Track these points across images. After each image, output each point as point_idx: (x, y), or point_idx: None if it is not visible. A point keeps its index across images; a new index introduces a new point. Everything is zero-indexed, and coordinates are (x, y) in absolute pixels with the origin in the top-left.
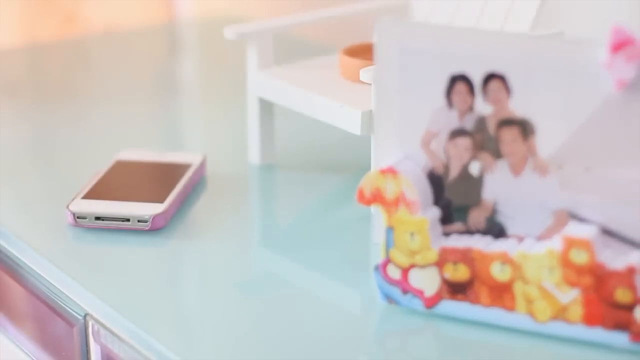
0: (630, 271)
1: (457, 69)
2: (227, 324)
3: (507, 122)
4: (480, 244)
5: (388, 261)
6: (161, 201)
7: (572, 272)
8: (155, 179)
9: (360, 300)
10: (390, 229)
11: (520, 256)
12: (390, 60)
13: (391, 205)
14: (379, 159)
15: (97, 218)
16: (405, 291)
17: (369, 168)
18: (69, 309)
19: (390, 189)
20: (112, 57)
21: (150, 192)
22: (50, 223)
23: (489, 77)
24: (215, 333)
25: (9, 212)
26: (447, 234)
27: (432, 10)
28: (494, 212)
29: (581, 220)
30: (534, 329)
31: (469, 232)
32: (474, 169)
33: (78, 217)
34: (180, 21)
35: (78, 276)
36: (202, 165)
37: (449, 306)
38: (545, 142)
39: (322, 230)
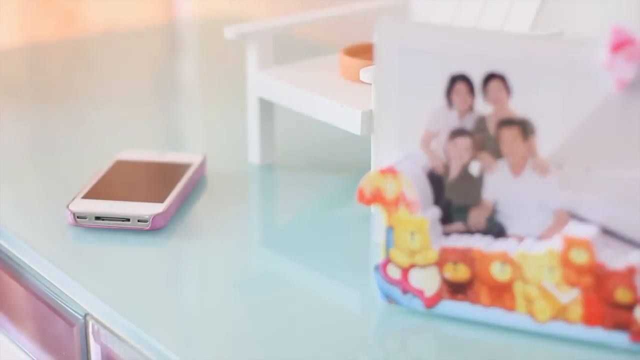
0: (630, 271)
1: (457, 69)
2: (227, 323)
3: (507, 122)
4: (480, 243)
5: (388, 261)
6: (161, 201)
7: (572, 272)
8: (155, 179)
9: (360, 300)
10: (390, 229)
11: (520, 256)
12: (390, 60)
13: (391, 205)
14: (379, 159)
15: (97, 218)
16: (405, 291)
17: (369, 168)
18: (69, 309)
19: (390, 189)
20: (112, 57)
21: (150, 192)
22: (50, 223)
23: (489, 77)
24: (215, 333)
25: (9, 212)
26: (447, 234)
27: (432, 10)
28: (494, 212)
29: (581, 220)
30: (534, 329)
31: (469, 232)
32: (474, 169)
33: (78, 217)
34: (180, 21)
35: (78, 276)
36: (202, 165)
37: (449, 306)
38: (545, 142)
39: (322, 230)
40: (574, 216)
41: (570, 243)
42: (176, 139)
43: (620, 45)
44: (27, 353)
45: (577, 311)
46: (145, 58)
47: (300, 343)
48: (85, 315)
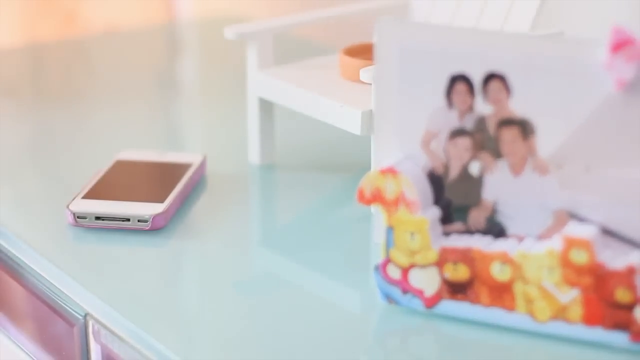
0: (630, 271)
1: (457, 69)
2: (227, 323)
3: (507, 122)
4: (480, 243)
5: (388, 261)
6: (161, 201)
7: (572, 272)
8: (155, 179)
9: (360, 300)
10: (390, 229)
11: (520, 256)
12: (390, 60)
13: (391, 205)
14: (379, 159)
15: (97, 218)
16: (405, 291)
17: (369, 168)
18: (69, 309)
19: (390, 189)
20: (112, 57)
21: (150, 192)
22: (50, 223)
23: (489, 77)
24: (215, 333)
25: (9, 212)
26: (447, 234)
27: (432, 10)
28: (494, 212)
29: (581, 220)
30: (534, 329)
31: (469, 232)
32: (474, 169)
33: (78, 217)
34: (180, 21)
35: (78, 276)
36: (202, 165)
37: (449, 306)
38: (545, 142)
39: (322, 230)
40: (574, 216)
41: (570, 243)
42: (176, 139)
43: (620, 45)
44: (27, 353)
45: (577, 311)
46: (145, 58)
47: (300, 343)
48: (85, 315)
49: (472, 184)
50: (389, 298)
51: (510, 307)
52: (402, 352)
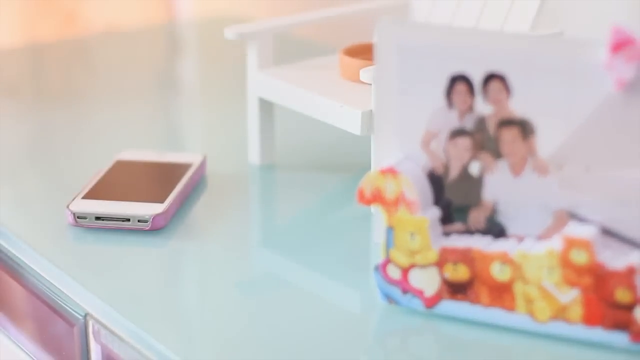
0: (630, 271)
1: (457, 69)
2: (227, 323)
3: (507, 122)
4: (480, 244)
5: (388, 261)
6: (161, 201)
7: (572, 272)
8: (155, 179)
9: (360, 300)
10: (390, 229)
11: (520, 256)
12: (390, 60)
13: (391, 205)
14: (379, 159)
15: (97, 218)
16: (405, 291)
17: (369, 168)
18: (69, 309)
19: (390, 189)
20: (112, 57)
21: (150, 192)
22: (50, 223)
23: (489, 77)
24: (215, 333)
25: (9, 212)
26: (447, 234)
27: (432, 10)
28: (494, 212)
29: (581, 220)
30: (534, 329)
31: (469, 232)
32: (474, 169)
33: (78, 217)
34: (180, 21)
35: (78, 276)
36: (202, 165)
37: (449, 306)
38: (545, 142)
39: (322, 230)
40: (574, 216)
41: (570, 243)
42: (176, 139)
43: (620, 45)
44: (27, 353)
45: (577, 311)
46: (145, 58)
47: (300, 343)
48: (85, 315)
49: (472, 184)
50: (389, 298)
51: (510, 307)
52: (402, 352)
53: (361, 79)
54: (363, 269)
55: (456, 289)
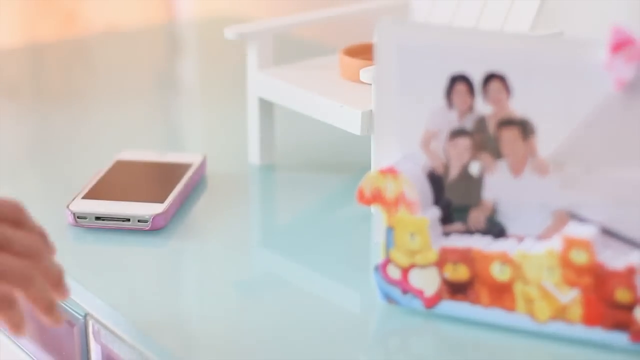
0: (630, 271)
1: (457, 69)
2: (227, 323)
3: (507, 122)
4: (480, 244)
5: (388, 261)
6: (161, 201)
7: (572, 272)
8: (155, 179)
9: (360, 300)
10: (390, 229)
11: (520, 256)
12: (390, 60)
13: (391, 205)
14: (379, 159)
15: (97, 218)
16: (405, 291)
17: (369, 168)
18: (69, 309)
19: (390, 189)
20: (112, 57)
21: (150, 192)
22: (50, 223)
23: (489, 77)
24: (215, 333)
25: None
26: (447, 234)
27: (432, 10)
28: (494, 212)
29: (581, 220)
30: (534, 329)
31: (469, 232)
32: (474, 169)
33: (78, 217)
34: (180, 21)
35: (78, 276)
36: (202, 165)
37: (449, 306)
38: (545, 142)
39: (322, 230)
40: (574, 216)
41: (570, 243)
42: (176, 139)
43: (620, 45)
44: (27, 353)
45: (576, 311)
46: (145, 58)
47: (300, 343)
48: (85, 315)
49: (472, 184)
50: (389, 298)
51: (510, 307)
52: (402, 352)
53: (361, 79)
54: (363, 269)
55: (456, 289)
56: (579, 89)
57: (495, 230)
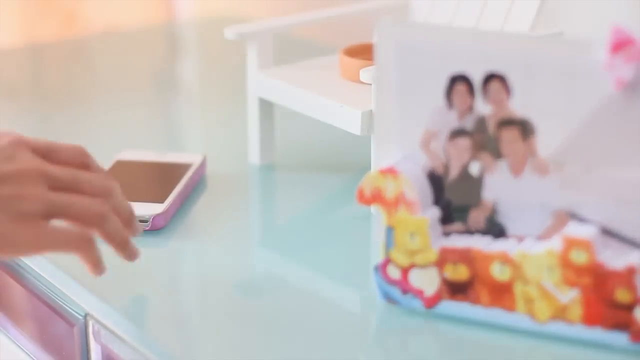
0: (630, 271)
1: (457, 69)
2: (227, 323)
3: (507, 122)
4: (480, 244)
5: (388, 261)
6: (161, 201)
7: (571, 272)
8: (155, 179)
9: (360, 300)
10: (390, 229)
11: (520, 256)
12: (390, 60)
13: (391, 205)
14: (379, 159)
15: None
16: (405, 291)
17: (369, 168)
18: (69, 309)
19: (390, 189)
20: (112, 57)
21: (150, 192)
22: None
23: (489, 77)
24: (215, 333)
25: None
26: (447, 234)
27: (432, 10)
28: (494, 212)
29: (581, 220)
30: (534, 329)
31: (469, 232)
32: (474, 169)
33: None
34: (180, 21)
35: (78, 276)
36: (202, 165)
37: (449, 306)
38: (545, 142)
39: (322, 230)
40: (574, 216)
41: (570, 243)
42: (176, 139)
43: (620, 45)
44: (27, 353)
45: (576, 311)
46: (145, 58)
47: (300, 343)
48: (85, 315)
49: (472, 184)
50: (388, 298)
51: (510, 307)
52: (402, 352)
53: (361, 79)
54: (363, 269)
55: (456, 289)
56: (579, 89)
57: (495, 230)
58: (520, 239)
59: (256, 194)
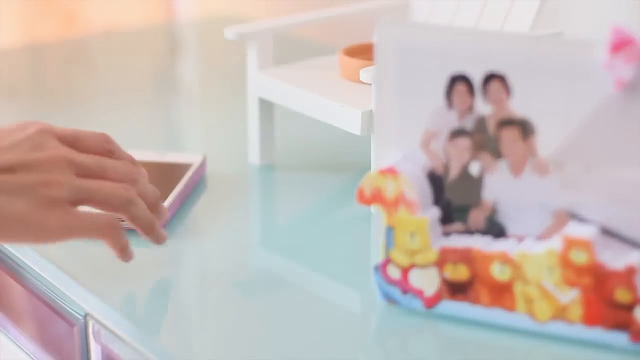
0: (630, 271)
1: (457, 69)
2: (227, 323)
3: (507, 122)
4: (480, 244)
5: (388, 261)
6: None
7: (571, 272)
8: (155, 179)
9: (360, 300)
10: (390, 229)
11: (520, 256)
12: (390, 60)
13: (391, 205)
14: (379, 159)
15: None
16: (405, 291)
17: (369, 168)
18: (69, 309)
19: (390, 189)
20: (112, 57)
21: None
22: None
23: (489, 77)
24: (215, 333)
25: None
26: (447, 234)
27: (432, 10)
28: (493, 212)
29: (581, 220)
30: (534, 329)
31: (469, 232)
32: (474, 169)
33: None
34: (180, 21)
35: (78, 276)
36: (202, 165)
37: (449, 306)
38: (545, 142)
39: (322, 230)
40: (574, 216)
41: (570, 243)
42: (176, 139)
43: (620, 45)
44: (27, 353)
45: (576, 311)
46: (145, 58)
47: (300, 343)
48: (85, 315)
49: (472, 184)
50: (389, 298)
51: (510, 307)
52: (402, 352)
53: (361, 79)
54: (363, 269)
55: (456, 289)
56: (579, 89)
57: (495, 230)
58: (520, 239)
59: (256, 194)
